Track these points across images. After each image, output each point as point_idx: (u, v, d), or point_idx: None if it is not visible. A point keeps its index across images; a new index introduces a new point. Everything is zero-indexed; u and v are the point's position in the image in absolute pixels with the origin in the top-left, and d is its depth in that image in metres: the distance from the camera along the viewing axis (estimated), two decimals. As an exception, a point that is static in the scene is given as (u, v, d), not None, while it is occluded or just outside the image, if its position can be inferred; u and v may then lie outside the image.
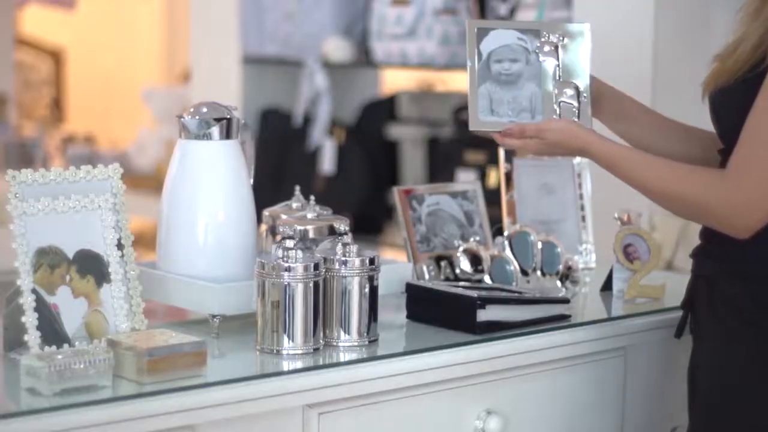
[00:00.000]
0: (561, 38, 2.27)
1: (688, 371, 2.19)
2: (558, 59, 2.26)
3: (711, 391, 2.13)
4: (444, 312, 2.19)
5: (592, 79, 2.28)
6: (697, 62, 3.19)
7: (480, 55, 2.24)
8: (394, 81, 5.18)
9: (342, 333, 2.05)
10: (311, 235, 2.22)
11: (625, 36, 3.20)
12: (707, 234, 2.16)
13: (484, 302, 2.16)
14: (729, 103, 2.09)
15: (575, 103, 2.24)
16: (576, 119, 2.23)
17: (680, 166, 2.11)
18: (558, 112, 2.24)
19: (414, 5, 4.03)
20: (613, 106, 2.30)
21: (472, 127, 2.24)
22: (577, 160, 2.72)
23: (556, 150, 2.21)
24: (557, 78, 2.25)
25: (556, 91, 2.24)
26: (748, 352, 2.08)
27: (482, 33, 2.25)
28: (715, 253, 2.13)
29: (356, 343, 2.06)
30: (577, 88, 2.25)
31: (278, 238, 2.20)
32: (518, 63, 2.25)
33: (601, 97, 2.28)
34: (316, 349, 2.01)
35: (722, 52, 2.15)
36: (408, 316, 2.24)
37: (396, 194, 2.48)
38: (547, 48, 2.26)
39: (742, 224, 2.03)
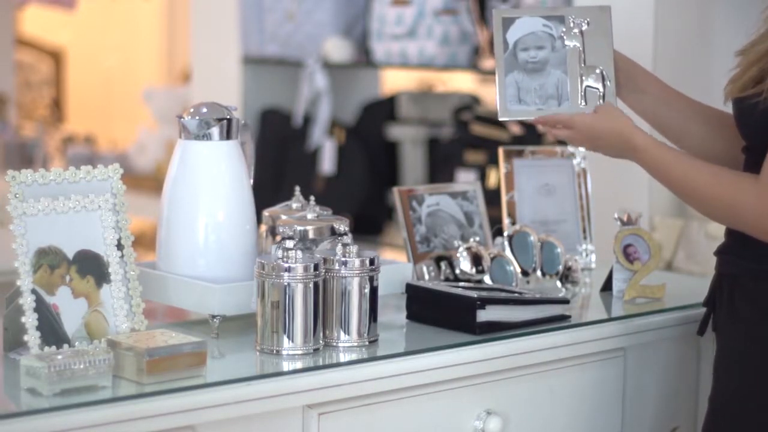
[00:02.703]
0: (584, 22, 2.28)
1: (713, 369, 2.19)
2: (582, 44, 2.27)
3: (728, 390, 2.13)
4: (444, 312, 2.19)
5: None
6: (697, 62, 3.20)
7: (506, 44, 2.25)
8: (394, 81, 5.18)
9: (342, 333, 2.06)
10: (311, 235, 2.22)
11: (625, 36, 3.19)
12: (732, 232, 2.15)
13: (484, 303, 2.16)
14: (750, 109, 2.07)
15: (600, 88, 2.26)
16: (600, 103, 2.24)
17: (712, 167, 2.09)
18: (584, 97, 2.25)
19: (414, 5, 4.02)
20: (625, 77, 2.29)
21: (501, 117, 2.25)
22: (577, 160, 2.72)
23: (600, 136, 2.18)
24: (582, 63, 2.26)
25: (582, 77, 2.25)
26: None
27: (508, 22, 2.27)
28: (739, 251, 2.12)
29: (356, 344, 2.06)
30: (601, 72, 2.26)
31: (278, 238, 2.20)
32: (544, 50, 2.26)
33: (615, 68, 2.28)
34: (315, 350, 2.02)
35: (744, 48, 2.14)
36: (408, 317, 2.24)
37: (396, 194, 2.48)
38: (571, 33, 2.28)
39: None
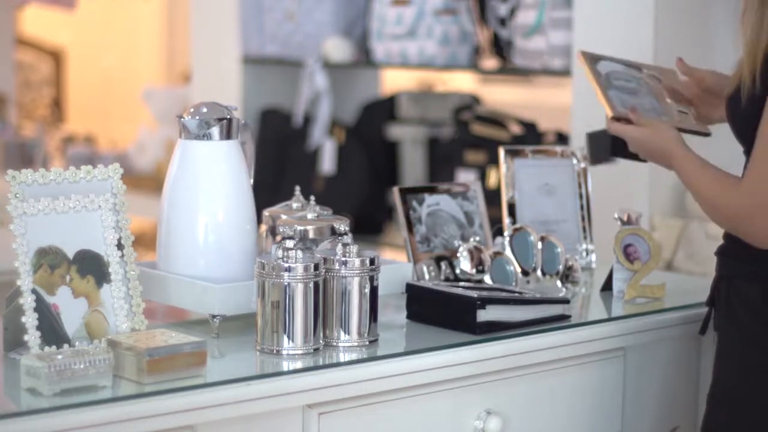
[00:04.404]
0: (658, 73, 2.47)
1: (713, 366, 2.20)
2: (661, 87, 2.44)
3: (726, 389, 2.14)
4: (444, 312, 2.19)
5: (710, 73, 2.44)
6: (697, 62, 3.20)
7: (599, 74, 2.41)
8: (394, 81, 5.18)
9: (342, 333, 2.06)
10: (311, 235, 2.22)
11: (625, 36, 3.20)
12: (727, 233, 2.18)
13: (484, 302, 2.16)
14: (735, 109, 2.13)
15: (688, 112, 2.44)
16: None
17: (713, 172, 2.15)
18: (679, 120, 2.39)
19: (414, 5, 4.02)
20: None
21: (614, 113, 2.33)
22: (575, 160, 2.72)
23: (647, 141, 2.28)
24: (666, 99, 2.42)
25: (670, 104, 2.40)
26: (763, 352, 2.09)
27: (593, 61, 2.42)
28: (735, 252, 2.15)
29: (356, 344, 2.06)
30: (682, 111, 2.42)
31: (278, 238, 2.20)
32: (632, 83, 2.41)
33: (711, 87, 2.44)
34: (316, 350, 2.02)
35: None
36: (408, 316, 2.24)
37: (396, 194, 2.48)
38: (649, 80, 2.45)
39: (752, 231, 2.05)
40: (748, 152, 2.17)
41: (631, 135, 2.30)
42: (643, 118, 2.33)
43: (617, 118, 2.32)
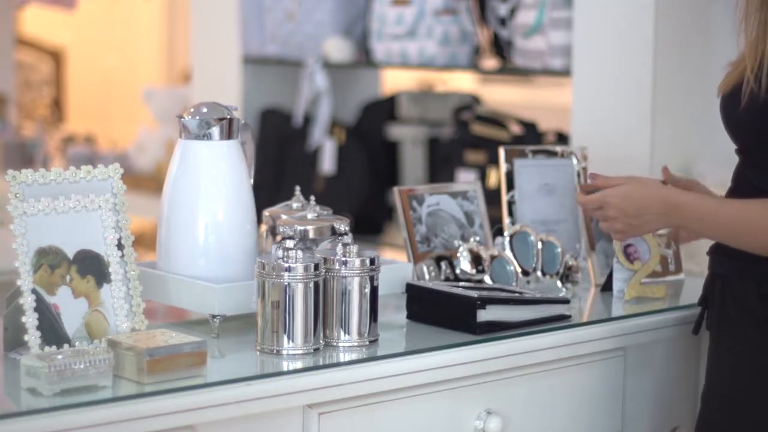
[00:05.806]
0: None
1: (706, 367, 2.20)
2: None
3: (720, 389, 2.14)
4: (444, 312, 2.19)
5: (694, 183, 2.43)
6: (698, 62, 3.20)
7: (592, 218, 2.56)
8: (394, 81, 5.18)
9: (342, 333, 2.06)
10: (311, 235, 2.22)
11: (625, 36, 3.19)
12: None
13: (485, 302, 2.16)
14: (733, 108, 2.12)
15: (670, 253, 2.56)
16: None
17: (758, 200, 2.09)
18: (670, 259, 2.55)
19: (414, 5, 4.02)
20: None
21: (597, 282, 2.56)
22: (575, 160, 2.72)
23: (639, 205, 2.21)
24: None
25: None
26: (757, 351, 2.09)
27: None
28: (728, 250, 2.14)
29: (356, 344, 2.06)
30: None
31: (278, 238, 2.20)
32: None
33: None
34: (316, 350, 2.02)
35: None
36: (408, 316, 2.25)
37: (396, 194, 2.48)
38: None
39: None
40: (741, 151, 2.16)
41: (607, 199, 2.25)
42: (611, 178, 2.28)
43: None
